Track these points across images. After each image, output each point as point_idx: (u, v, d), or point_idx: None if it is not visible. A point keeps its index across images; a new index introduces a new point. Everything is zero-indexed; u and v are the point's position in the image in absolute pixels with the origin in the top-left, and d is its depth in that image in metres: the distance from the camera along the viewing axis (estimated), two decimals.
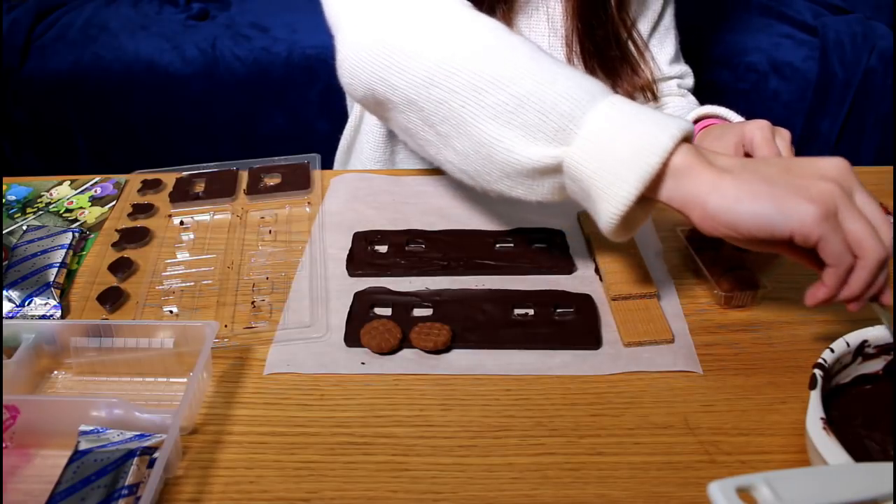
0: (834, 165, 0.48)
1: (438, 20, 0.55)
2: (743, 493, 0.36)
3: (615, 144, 0.47)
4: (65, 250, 0.68)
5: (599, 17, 0.78)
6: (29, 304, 0.62)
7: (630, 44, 0.82)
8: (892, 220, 0.48)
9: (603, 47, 0.80)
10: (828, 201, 0.45)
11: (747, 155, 0.63)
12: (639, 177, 0.46)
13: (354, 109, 0.90)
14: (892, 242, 0.47)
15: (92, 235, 0.73)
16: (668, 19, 0.87)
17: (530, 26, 0.81)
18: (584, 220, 0.72)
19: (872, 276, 0.47)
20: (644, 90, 0.82)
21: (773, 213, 0.45)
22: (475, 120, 0.51)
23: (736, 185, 0.46)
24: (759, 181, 0.46)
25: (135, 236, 0.71)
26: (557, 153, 0.49)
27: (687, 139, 0.48)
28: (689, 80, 0.90)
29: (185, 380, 0.56)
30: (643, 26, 0.85)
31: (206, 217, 0.74)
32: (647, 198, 0.49)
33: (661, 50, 0.87)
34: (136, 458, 0.46)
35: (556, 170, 0.50)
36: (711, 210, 0.46)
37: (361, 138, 0.90)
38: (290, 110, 1.43)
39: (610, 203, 0.48)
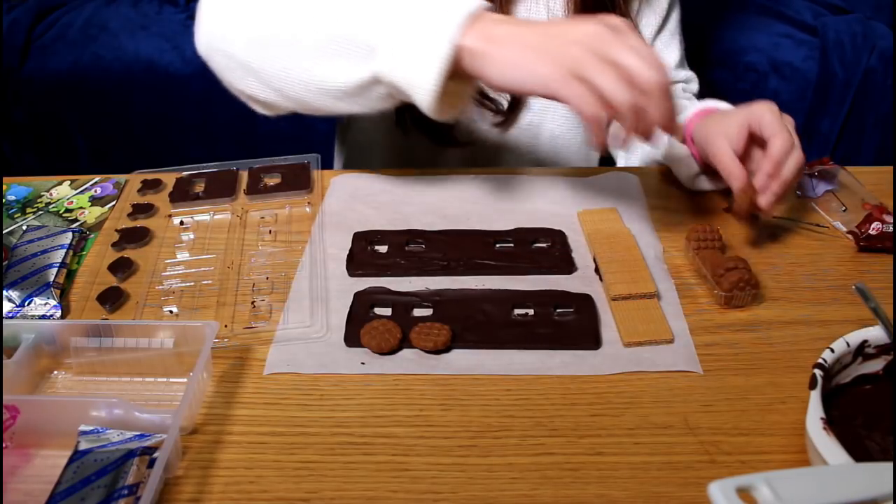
0: (586, 31, 0.54)
1: None
2: (743, 493, 0.36)
3: (412, 45, 0.56)
4: (65, 250, 0.68)
5: (599, 7, 0.78)
6: (29, 304, 0.62)
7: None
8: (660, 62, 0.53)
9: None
10: (566, 64, 0.53)
11: (752, 136, 0.67)
12: (437, 64, 0.55)
13: None
14: (651, 82, 0.52)
15: (92, 235, 0.73)
16: (674, 24, 0.87)
17: (529, 15, 0.81)
18: (584, 219, 0.72)
19: (631, 119, 0.53)
20: None
21: (526, 77, 0.54)
22: (302, 65, 0.61)
23: (500, 56, 0.55)
24: (516, 49, 0.55)
25: (135, 236, 0.71)
26: (368, 67, 0.58)
27: (475, 15, 0.56)
28: (694, 86, 0.90)
29: (185, 380, 0.56)
30: (647, 30, 0.85)
31: (206, 217, 0.74)
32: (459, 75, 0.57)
33: (666, 55, 0.87)
34: (136, 458, 0.46)
35: (374, 82, 0.59)
36: (489, 78, 0.56)
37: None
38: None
39: (423, 91, 0.56)
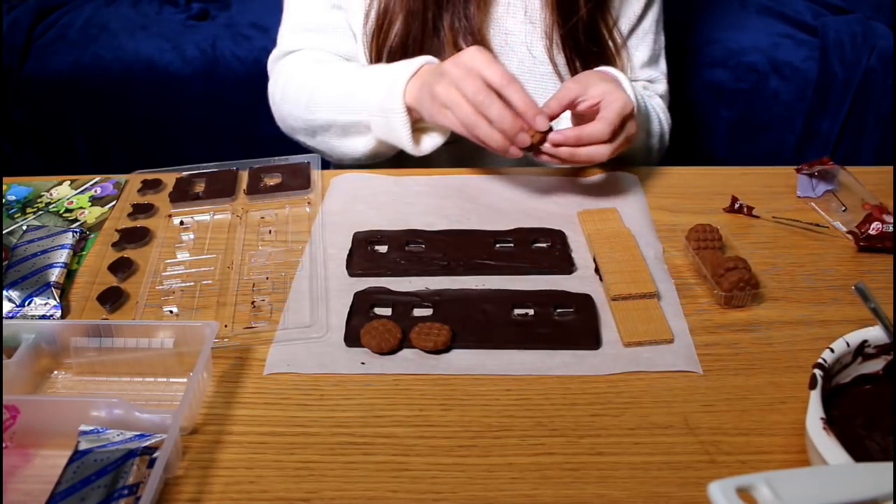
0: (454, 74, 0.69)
1: (287, 89, 0.86)
2: (743, 493, 0.36)
3: (385, 115, 0.75)
4: (65, 250, 0.68)
5: (574, 9, 0.80)
6: (29, 304, 0.62)
7: (610, 42, 0.83)
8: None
9: (582, 42, 0.82)
10: (438, 99, 0.69)
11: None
12: (400, 119, 0.74)
13: None
14: (472, 85, 0.67)
15: (92, 235, 0.73)
16: (649, 23, 0.87)
17: (508, 17, 0.81)
18: (584, 219, 0.72)
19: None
20: None
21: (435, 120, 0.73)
22: (337, 145, 0.83)
23: (424, 104, 0.72)
24: (426, 98, 0.72)
25: (135, 236, 0.71)
26: (371, 137, 0.79)
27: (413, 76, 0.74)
28: (660, 87, 0.90)
29: (185, 380, 0.56)
30: (623, 26, 0.86)
31: (206, 217, 0.74)
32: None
33: (634, 52, 0.87)
34: (136, 458, 0.46)
35: (380, 143, 0.79)
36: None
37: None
38: None
39: (403, 139, 0.75)
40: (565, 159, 0.70)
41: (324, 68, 0.84)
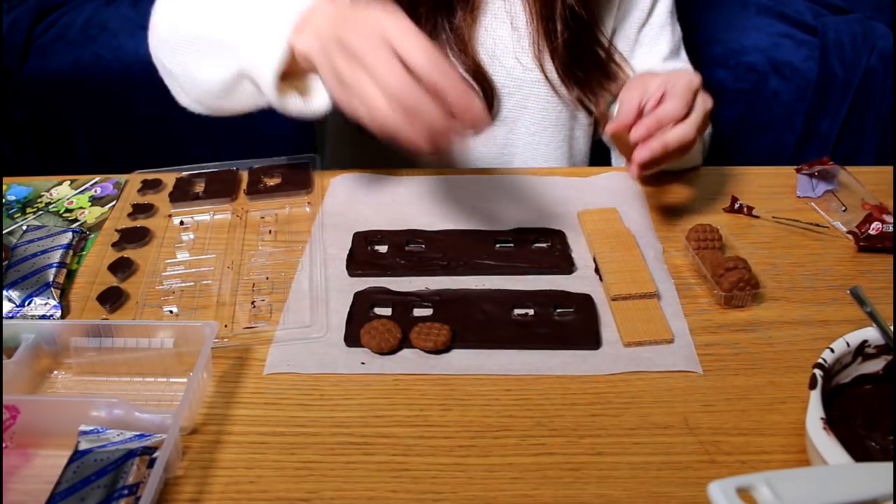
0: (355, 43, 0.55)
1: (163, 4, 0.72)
2: (743, 493, 0.36)
3: (260, 43, 0.62)
4: (65, 250, 0.68)
5: (560, 16, 0.78)
6: (29, 304, 0.62)
7: (600, 50, 0.82)
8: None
9: (572, 53, 0.80)
10: (338, 76, 0.56)
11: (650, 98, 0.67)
12: (274, 60, 0.60)
13: None
14: (398, 82, 0.52)
15: (92, 235, 0.73)
16: (662, 17, 0.86)
17: (495, 25, 0.81)
18: (584, 220, 0.72)
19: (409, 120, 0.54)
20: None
21: (324, 82, 0.59)
22: (196, 67, 0.68)
23: (302, 48, 0.59)
24: (322, 51, 0.57)
25: (135, 236, 0.71)
26: (233, 63, 0.64)
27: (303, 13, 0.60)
28: None
29: (185, 380, 0.56)
30: (631, 26, 0.85)
31: (206, 217, 0.74)
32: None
33: (652, 48, 0.86)
34: (136, 458, 0.46)
35: (242, 76, 0.65)
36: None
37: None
38: None
39: (265, 84, 0.62)
40: (659, 155, 0.64)
41: None
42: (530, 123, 0.86)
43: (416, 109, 0.51)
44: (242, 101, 0.69)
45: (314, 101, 0.65)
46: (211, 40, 0.66)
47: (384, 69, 0.51)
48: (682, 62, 0.90)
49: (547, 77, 0.82)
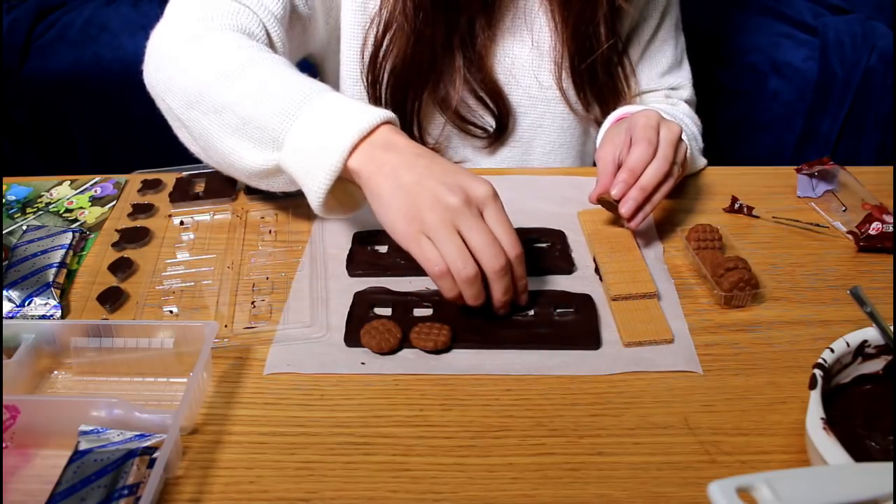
0: (450, 202, 0.55)
1: (198, 49, 0.66)
2: (743, 493, 0.36)
3: (309, 149, 0.59)
4: (65, 250, 0.68)
5: (593, 47, 0.78)
6: (29, 304, 0.62)
7: (619, 68, 0.82)
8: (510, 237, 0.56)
9: (594, 71, 0.80)
10: (417, 227, 0.56)
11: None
12: (326, 175, 0.58)
13: None
14: (489, 266, 0.55)
15: (92, 235, 0.73)
16: (666, 31, 0.86)
17: (514, 44, 0.80)
18: (584, 220, 0.72)
19: (468, 290, 0.56)
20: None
21: (384, 221, 0.58)
22: (219, 135, 0.63)
23: (374, 188, 0.57)
24: (389, 189, 0.57)
25: (135, 236, 0.71)
26: (274, 158, 0.61)
27: (369, 132, 0.58)
28: (684, 92, 0.89)
29: (185, 380, 0.56)
30: (640, 41, 0.85)
31: (206, 217, 0.74)
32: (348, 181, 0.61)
33: (653, 63, 0.87)
34: (136, 458, 0.46)
35: (277, 169, 0.62)
36: (371, 203, 0.59)
37: None
38: None
39: (311, 195, 0.60)
40: (642, 201, 0.65)
41: (267, 53, 0.66)
42: (546, 142, 0.86)
43: (496, 277, 0.56)
44: (266, 185, 0.66)
45: (349, 211, 0.65)
46: (246, 120, 0.61)
47: (477, 231, 0.55)
48: (683, 77, 0.89)
49: (564, 95, 0.82)
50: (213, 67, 0.64)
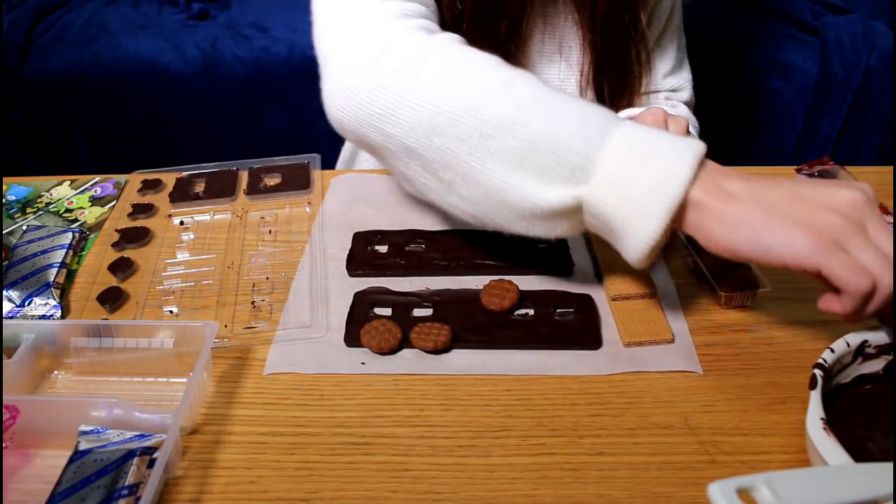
0: (846, 198, 0.47)
1: (433, 61, 0.53)
2: (743, 493, 0.36)
3: (635, 178, 0.47)
4: (65, 250, 0.68)
5: (619, 53, 0.78)
6: (29, 304, 0.62)
7: (637, 69, 0.82)
8: (892, 223, 0.48)
9: (616, 78, 0.81)
10: (825, 233, 0.45)
11: None
12: (665, 209, 0.47)
13: None
14: None
15: (92, 235, 0.73)
16: (670, 32, 0.86)
17: (542, 57, 0.80)
18: None
19: (882, 304, 0.46)
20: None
21: (767, 242, 0.46)
22: (484, 167, 0.50)
23: (736, 214, 0.47)
24: (758, 210, 0.47)
25: (135, 236, 0.71)
26: (577, 193, 0.48)
27: (702, 160, 0.48)
28: (684, 94, 0.89)
29: (185, 380, 0.56)
30: (649, 43, 0.85)
31: (206, 217, 0.74)
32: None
33: (657, 64, 0.86)
34: (136, 458, 0.46)
35: (576, 209, 0.50)
36: (713, 236, 0.48)
37: (363, 155, 0.90)
38: (290, 110, 1.43)
39: (638, 238, 0.48)
40: None
41: (524, 71, 0.54)
42: None
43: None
44: (543, 230, 0.52)
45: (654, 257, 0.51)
46: (533, 145, 0.48)
47: (882, 237, 0.46)
48: (683, 79, 0.89)
49: None
50: (467, 81, 0.51)
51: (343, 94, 0.56)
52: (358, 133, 0.57)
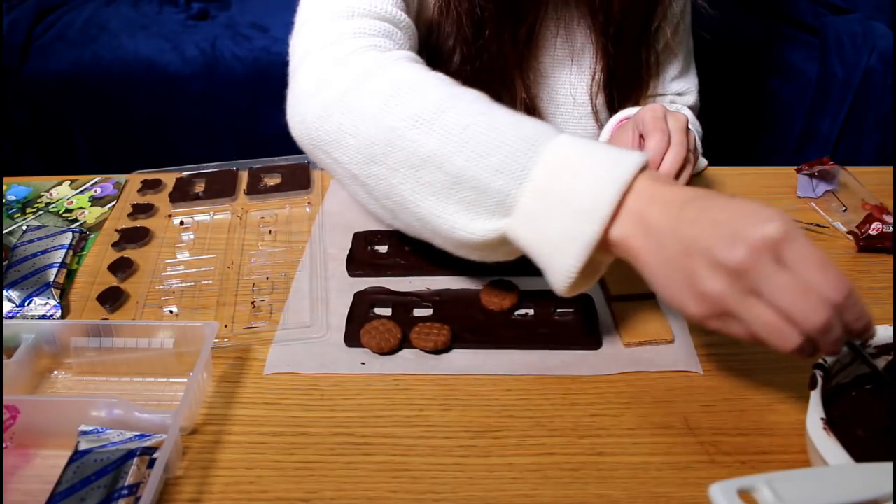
0: (750, 243, 0.41)
1: (371, 87, 0.53)
2: (744, 494, 0.36)
3: (552, 216, 0.46)
4: (65, 250, 0.68)
5: (633, 59, 0.78)
6: (29, 304, 0.62)
7: (646, 72, 0.83)
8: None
9: (630, 84, 0.81)
10: (712, 300, 0.43)
11: (643, 137, 0.63)
12: (580, 249, 0.46)
13: None
14: (816, 315, 0.42)
15: (92, 235, 0.73)
16: (680, 36, 0.86)
17: (554, 63, 0.80)
18: None
19: (830, 339, 0.43)
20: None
21: (670, 301, 0.45)
22: (415, 197, 0.51)
23: (647, 262, 0.45)
24: (661, 262, 0.45)
25: (135, 236, 0.71)
26: (499, 226, 0.49)
27: (629, 185, 0.46)
28: (690, 98, 0.89)
29: (185, 380, 0.56)
30: (657, 47, 0.85)
31: (206, 217, 0.74)
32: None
33: (664, 68, 0.86)
34: (136, 459, 0.46)
35: (502, 240, 0.50)
36: (642, 272, 0.47)
37: None
38: None
39: (560, 273, 0.47)
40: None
41: (459, 87, 0.53)
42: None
43: (821, 334, 0.43)
44: (480, 256, 0.53)
45: (592, 281, 0.51)
46: (457, 179, 0.48)
47: (780, 288, 0.41)
48: (690, 83, 0.89)
49: (595, 110, 0.82)
50: (399, 110, 0.51)
51: (294, 118, 0.59)
52: (313, 155, 0.59)
